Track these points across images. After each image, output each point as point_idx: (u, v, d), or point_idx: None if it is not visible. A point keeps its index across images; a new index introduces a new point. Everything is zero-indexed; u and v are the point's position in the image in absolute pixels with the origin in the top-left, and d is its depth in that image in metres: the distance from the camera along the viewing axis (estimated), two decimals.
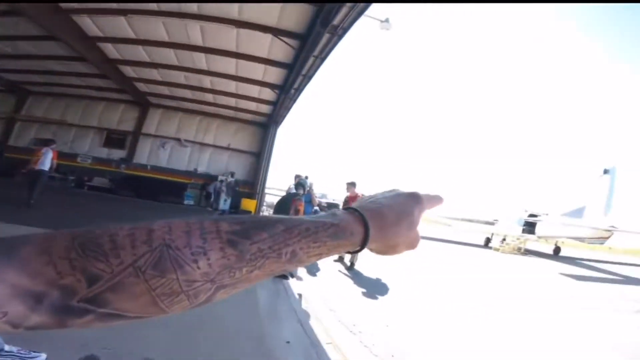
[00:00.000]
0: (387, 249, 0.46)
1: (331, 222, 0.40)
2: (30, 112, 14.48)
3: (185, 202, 14.07)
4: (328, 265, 6.72)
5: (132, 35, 8.66)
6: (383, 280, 6.28)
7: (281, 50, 8.11)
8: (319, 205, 10.08)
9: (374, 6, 6.10)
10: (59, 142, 14.17)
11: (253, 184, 14.72)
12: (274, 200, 14.60)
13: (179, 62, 10.15)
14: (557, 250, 18.15)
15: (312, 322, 3.59)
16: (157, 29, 8.22)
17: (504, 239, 18.25)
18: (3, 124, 14.26)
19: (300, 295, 4.40)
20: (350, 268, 6.79)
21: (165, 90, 13.06)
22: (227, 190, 13.63)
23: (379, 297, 5.15)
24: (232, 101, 12.99)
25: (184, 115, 15.27)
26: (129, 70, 11.34)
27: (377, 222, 0.42)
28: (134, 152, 14.80)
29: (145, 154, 14.94)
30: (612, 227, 14.99)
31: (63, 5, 7.41)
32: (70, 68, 11.48)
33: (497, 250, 17.31)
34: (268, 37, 7.66)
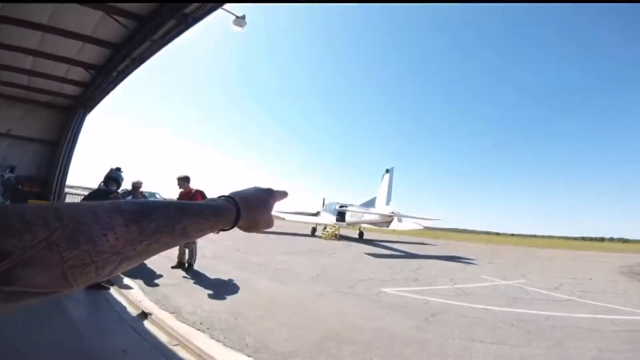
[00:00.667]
0: (252, 226, 0.61)
1: (213, 204, 0.53)
2: None
3: None
4: (166, 272, 6.10)
5: None
6: (225, 277, 6.30)
7: (111, 29, 6.70)
8: None
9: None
10: None
11: (45, 182, 11.21)
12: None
13: None
14: (361, 234, 23.32)
15: (152, 328, 3.27)
16: None
17: (325, 228, 21.82)
18: None
19: (135, 302, 3.86)
20: (189, 269, 6.43)
21: None
22: (4, 190, 9.79)
23: (224, 293, 5.17)
24: (23, 78, 9.47)
25: None
26: None
27: (246, 206, 0.57)
28: None
29: None
30: (393, 213, 20.72)
31: None
32: None
33: (321, 237, 20.43)
34: (98, 14, 6.17)
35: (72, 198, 12.97)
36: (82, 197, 9.73)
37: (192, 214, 0.47)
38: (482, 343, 4.02)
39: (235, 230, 0.59)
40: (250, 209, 0.58)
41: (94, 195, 5.39)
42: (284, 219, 21.11)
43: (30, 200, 9.94)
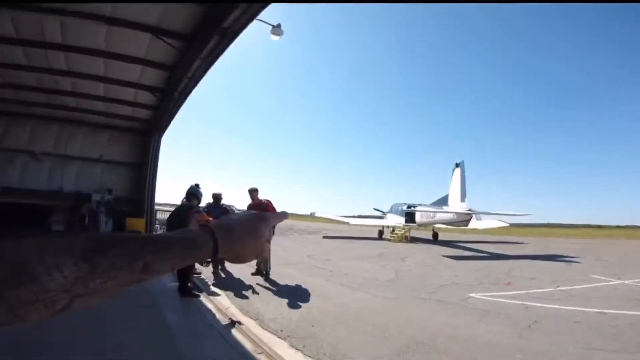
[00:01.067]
0: (237, 257, 0.57)
1: (186, 237, 0.50)
2: None
3: (54, 228, 11.40)
4: (246, 278, 6.51)
5: None
6: (300, 284, 6.45)
7: (162, 51, 7.47)
8: None
9: (268, 11, 6.05)
10: None
11: (138, 201, 12.96)
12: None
13: (28, 61, 8.30)
14: (435, 235, 21.76)
15: (237, 335, 3.46)
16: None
17: (393, 230, 20.96)
18: None
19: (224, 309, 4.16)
20: (267, 277, 6.74)
21: (8, 93, 10.36)
22: (107, 211, 11.67)
23: (299, 300, 5.26)
24: (100, 105, 11.14)
25: (37, 123, 12.34)
26: None
27: (226, 237, 0.53)
28: None
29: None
30: (470, 210, 18.96)
31: None
32: None
33: (390, 240, 19.70)
34: (147, 37, 6.98)
35: (162, 214, 14.70)
36: (169, 212, 11.04)
37: (157, 250, 0.45)
38: (601, 351, 3.36)
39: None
40: (232, 239, 0.54)
41: (179, 210, 6.03)
42: (348, 223, 20.92)
43: (127, 219, 11.68)
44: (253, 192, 6.84)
